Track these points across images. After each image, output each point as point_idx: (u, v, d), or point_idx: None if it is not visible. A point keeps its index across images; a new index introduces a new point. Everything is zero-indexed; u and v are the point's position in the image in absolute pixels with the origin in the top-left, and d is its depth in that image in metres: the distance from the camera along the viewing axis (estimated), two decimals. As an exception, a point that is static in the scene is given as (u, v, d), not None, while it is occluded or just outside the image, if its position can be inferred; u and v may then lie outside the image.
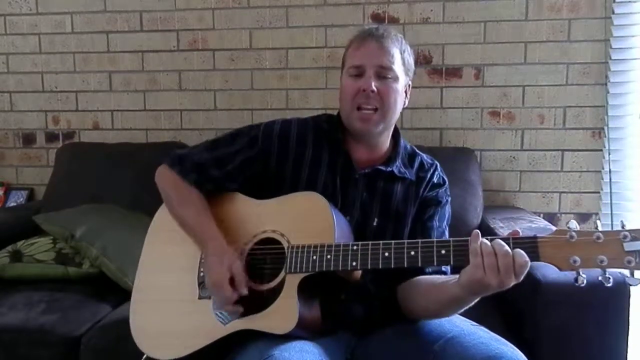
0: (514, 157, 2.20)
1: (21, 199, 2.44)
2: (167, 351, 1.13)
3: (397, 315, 1.18)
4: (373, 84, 1.15)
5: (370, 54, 1.17)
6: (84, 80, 2.41)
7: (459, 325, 1.10)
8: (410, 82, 1.25)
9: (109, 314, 1.58)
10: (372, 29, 1.20)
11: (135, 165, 2.07)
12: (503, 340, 1.04)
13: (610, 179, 2.08)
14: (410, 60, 1.23)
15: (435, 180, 1.26)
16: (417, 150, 1.32)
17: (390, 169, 1.22)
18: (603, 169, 2.13)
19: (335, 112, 1.30)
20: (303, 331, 1.04)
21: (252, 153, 1.23)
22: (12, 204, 2.41)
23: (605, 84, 2.10)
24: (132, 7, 2.33)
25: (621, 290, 1.34)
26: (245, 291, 1.06)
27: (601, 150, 2.14)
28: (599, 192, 2.15)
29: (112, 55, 2.38)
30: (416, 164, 1.27)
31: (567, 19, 2.11)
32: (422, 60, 2.20)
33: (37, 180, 2.48)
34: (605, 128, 2.10)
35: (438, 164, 1.31)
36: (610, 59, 2.08)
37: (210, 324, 1.10)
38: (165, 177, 1.27)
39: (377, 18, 2.20)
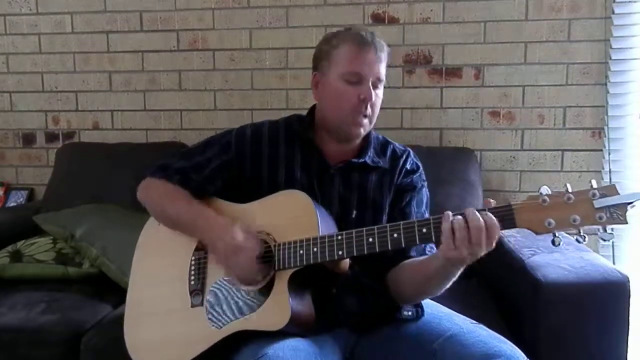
0: (514, 157, 2.20)
1: (21, 199, 2.44)
2: None
3: (392, 309, 1.19)
4: (372, 94, 1.18)
5: (370, 63, 1.18)
6: (84, 80, 2.41)
7: (458, 323, 1.10)
8: None
9: (109, 314, 1.58)
10: (367, 36, 1.19)
11: (135, 165, 2.06)
12: (502, 338, 1.05)
13: (610, 179, 2.08)
14: None
15: (408, 166, 1.28)
16: (389, 140, 1.34)
17: (363, 160, 1.24)
18: (603, 169, 2.13)
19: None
20: (297, 328, 1.05)
21: (227, 158, 1.25)
22: (12, 204, 2.41)
23: (605, 84, 2.10)
24: (132, 7, 2.33)
25: (621, 290, 1.34)
26: (259, 247, 1.09)
27: (601, 150, 2.14)
28: (599, 192, 2.14)
29: (112, 55, 2.38)
30: (389, 152, 1.29)
31: (567, 19, 2.11)
32: (422, 60, 2.20)
33: (37, 180, 2.47)
34: (605, 128, 2.10)
35: (411, 151, 1.33)
36: (610, 59, 2.08)
37: (204, 331, 1.10)
38: (150, 185, 1.28)
39: (377, 18, 2.20)
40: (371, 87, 1.18)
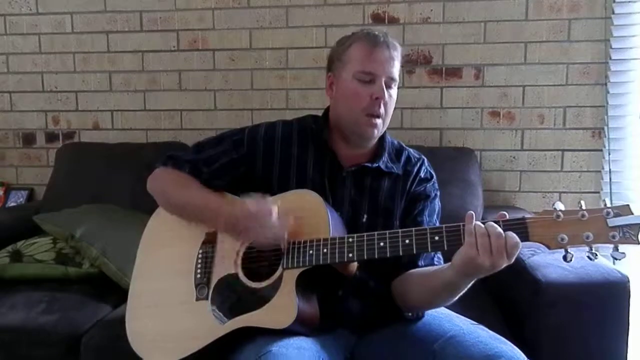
0: (514, 157, 2.20)
1: (21, 199, 2.44)
2: (167, 354, 1.14)
3: (395, 313, 1.18)
4: (385, 94, 1.17)
5: (383, 63, 1.18)
6: (84, 80, 2.41)
7: (458, 324, 1.10)
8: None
9: (109, 314, 1.58)
10: (380, 36, 1.20)
11: (135, 165, 2.07)
12: (503, 339, 1.05)
13: (610, 179, 2.08)
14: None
15: (422, 175, 1.28)
16: (404, 145, 1.33)
17: (377, 165, 1.23)
18: (603, 169, 2.13)
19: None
20: (302, 327, 1.04)
21: (237, 155, 1.25)
22: (12, 204, 2.41)
23: (605, 84, 2.10)
24: (132, 7, 2.33)
25: (621, 290, 1.34)
26: (275, 206, 1.08)
27: (601, 150, 2.14)
28: (599, 192, 2.15)
29: (112, 55, 2.38)
30: (403, 158, 1.29)
31: (567, 19, 2.11)
32: (422, 60, 2.20)
33: (37, 180, 2.47)
34: (605, 128, 2.10)
35: (425, 159, 1.32)
36: (610, 59, 2.08)
37: (208, 325, 1.10)
38: (161, 174, 1.28)
39: (377, 18, 2.20)
40: (384, 87, 1.18)
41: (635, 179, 2.09)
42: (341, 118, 1.23)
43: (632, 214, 0.89)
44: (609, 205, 0.91)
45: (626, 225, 0.89)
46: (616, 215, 0.90)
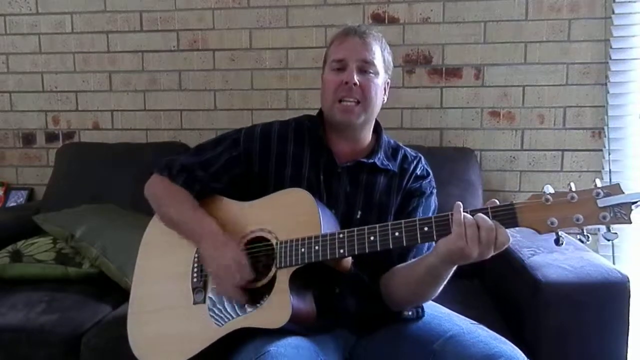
0: (514, 157, 2.20)
1: (21, 199, 2.44)
2: (166, 359, 1.15)
3: (394, 312, 1.18)
4: (355, 77, 1.17)
5: (353, 48, 1.19)
6: (84, 80, 2.41)
7: (458, 324, 1.10)
8: (389, 80, 1.27)
9: (109, 314, 1.58)
10: (355, 27, 1.23)
11: (135, 165, 2.07)
12: (502, 339, 1.05)
13: (610, 179, 2.08)
14: (390, 59, 1.26)
15: (418, 172, 1.28)
16: (401, 145, 1.33)
17: (372, 161, 1.23)
18: (603, 169, 2.13)
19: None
20: (298, 326, 1.05)
21: (235, 153, 1.25)
22: (12, 204, 2.41)
23: (605, 84, 2.10)
24: (132, 7, 2.33)
25: (621, 290, 1.34)
26: (251, 275, 1.09)
27: (601, 150, 2.14)
28: (599, 192, 2.14)
29: (112, 55, 2.38)
30: (399, 157, 1.29)
31: (567, 19, 2.11)
32: (422, 60, 2.20)
33: (37, 180, 2.48)
34: (605, 128, 2.10)
35: (422, 157, 1.32)
36: (610, 59, 2.08)
37: (206, 328, 1.11)
38: (156, 183, 1.29)
39: (377, 18, 2.20)
40: (355, 71, 1.18)
41: (635, 179, 2.09)
42: (324, 111, 1.25)
43: (623, 193, 0.88)
44: (599, 185, 0.90)
45: (617, 205, 0.88)
46: (606, 195, 0.89)
